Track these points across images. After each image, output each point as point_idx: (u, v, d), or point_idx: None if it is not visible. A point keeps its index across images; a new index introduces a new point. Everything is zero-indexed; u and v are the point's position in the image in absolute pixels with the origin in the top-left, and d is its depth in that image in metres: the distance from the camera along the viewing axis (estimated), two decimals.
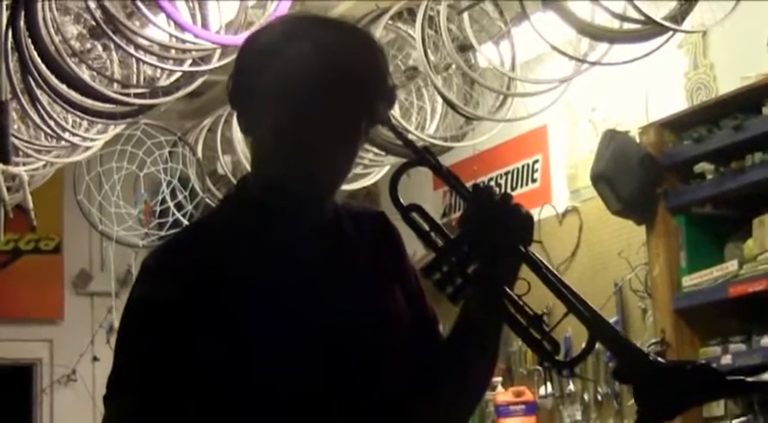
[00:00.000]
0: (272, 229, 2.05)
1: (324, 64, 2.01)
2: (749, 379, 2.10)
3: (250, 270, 2.01)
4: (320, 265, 2.06)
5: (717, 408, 5.18)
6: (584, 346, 1.99)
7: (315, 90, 2.00)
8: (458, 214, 7.02)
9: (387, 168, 6.31)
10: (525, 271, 2.06)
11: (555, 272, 2.03)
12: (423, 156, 2.08)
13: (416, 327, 2.14)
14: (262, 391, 1.98)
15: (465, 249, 2.02)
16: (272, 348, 1.97)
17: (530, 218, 2.05)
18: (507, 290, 2.03)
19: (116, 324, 7.50)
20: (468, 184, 2.05)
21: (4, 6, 5.05)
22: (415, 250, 2.22)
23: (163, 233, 7.48)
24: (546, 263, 2.04)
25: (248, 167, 7.12)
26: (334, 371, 2.01)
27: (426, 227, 2.06)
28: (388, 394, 2.05)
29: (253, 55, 2.08)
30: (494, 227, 2.01)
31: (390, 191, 2.08)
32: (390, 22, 5.71)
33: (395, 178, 2.09)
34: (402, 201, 2.07)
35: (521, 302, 2.03)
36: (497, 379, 6.51)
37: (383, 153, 6.01)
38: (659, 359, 1.93)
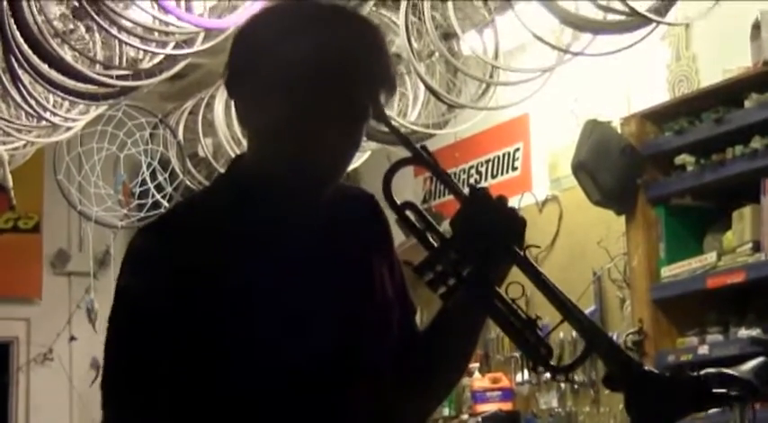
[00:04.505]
0: (264, 216, 2.00)
1: (331, 56, 1.96)
2: (733, 393, 2.11)
3: (242, 259, 1.97)
4: (314, 253, 2.02)
5: None
6: (579, 353, 2.00)
7: (323, 83, 1.96)
8: (438, 201, 7.00)
9: (368, 153, 6.30)
10: (519, 275, 2.04)
11: (549, 278, 2.01)
12: (419, 154, 2.05)
13: (398, 315, 2.13)
14: (261, 382, 1.95)
15: (460, 251, 2.01)
16: (270, 340, 1.95)
17: (524, 222, 2.03)
18: (503, 294, 2.02)
19: (95, 305, 7.47)
20: (451, 171, 2.03)
21: None
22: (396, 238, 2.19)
23: (142, 214, 7.48)
24: (538, 266, 2.01)
25: (229, 150, 6.99)
26: (329, 357, 2.00)
27: (419, 225, 2.04)
28: (371, 377, 2.04)
29: (252, 45, 2.02)
30: (489, 230, 1.99)
31: (384, 189, 2.06)
32: (374, 8, 5.70)
33: (388, 176, 2.06)
34: (396, 199, 2.05)
35: (515, 306, 2.02)
36: (474, 365, 6.54)
37: (365, 138, 5.99)
38: (653, 370, 1.93)
